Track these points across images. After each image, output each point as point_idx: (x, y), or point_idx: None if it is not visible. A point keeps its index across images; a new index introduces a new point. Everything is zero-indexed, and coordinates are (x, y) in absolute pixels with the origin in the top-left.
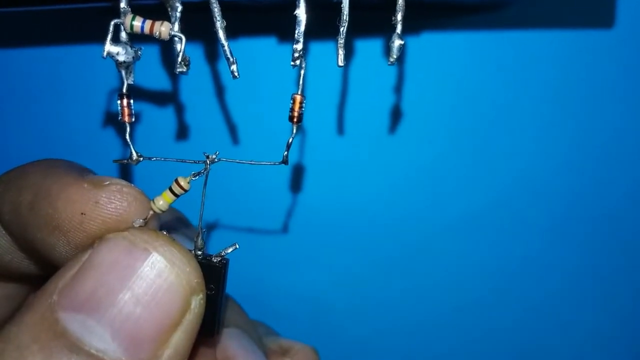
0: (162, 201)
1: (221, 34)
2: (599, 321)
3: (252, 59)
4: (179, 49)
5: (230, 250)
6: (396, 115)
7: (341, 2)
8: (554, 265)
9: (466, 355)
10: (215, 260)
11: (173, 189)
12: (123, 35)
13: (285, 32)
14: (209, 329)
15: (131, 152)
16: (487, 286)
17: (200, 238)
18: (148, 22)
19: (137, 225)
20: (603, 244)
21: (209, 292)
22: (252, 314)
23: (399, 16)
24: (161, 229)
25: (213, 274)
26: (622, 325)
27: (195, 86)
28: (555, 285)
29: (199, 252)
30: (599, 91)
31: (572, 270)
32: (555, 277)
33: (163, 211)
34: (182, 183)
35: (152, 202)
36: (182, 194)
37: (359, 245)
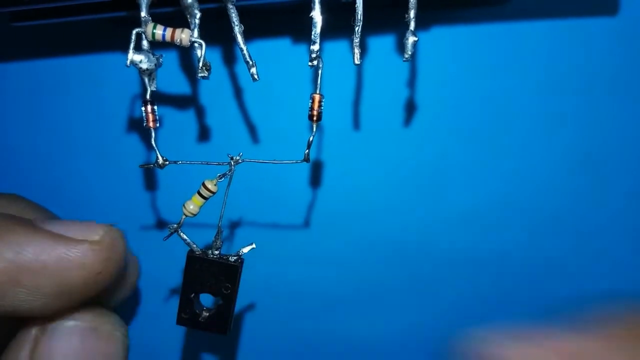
0: (193, 205)
1: (240, 38)
2: None
3: (268, 61)
4: (199, 54)
5: (247, 249)
6: (411, 109)
7: (355, 2)
8: (563, 261)
9: None
10: (231, 260)
11: (201, 192)
12: (145, 43)
13: (299, 33)
14: (222, 327)
15: (157, 157)
16: (494, 283)
17: (218, 238)
18: (169, 30)
19: (172, 230)
20: (607, 243)
21: (224, 292)
22: (265, 307)
23: (412, 13)
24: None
25: (229, 273)
26: None
27: (215, 89)
28: (561, 283)
29: (216, 252)
30: (604, 80)
31: (579, 268)
32: (563, 276)
33: (194, 214)
34: (209, 186)
35: (183, 206)
36: (210, 196)
37: (376, 241)
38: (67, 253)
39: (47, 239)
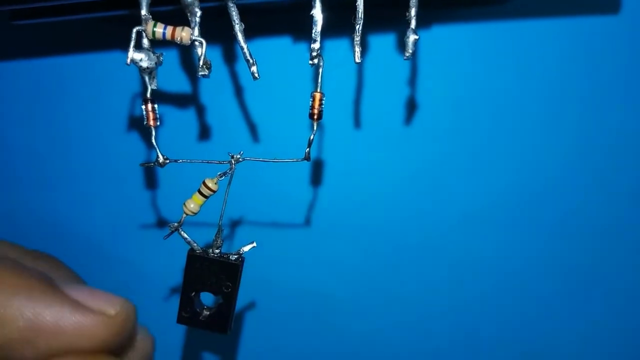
0: (193, 204)
1: (240, 37)
2: (602, 320)
3: (269, 59)
4: (200, 52)
5: (247, 248)
6: (411, 108)
7: (356, 1)
8: (564, 263)
9: (469, 352)
10: (232, 259)
11: (202, 191)
12: (145, 41)
13: (300, 32)
14: (222, 325)
15: (157, 155)
16: (496, 285)
17: (219, 237)
18: (169, 28)
19: (172, 229)
20: (608, 243)
21: (225, 290)
22: (266, 306)
23: (413, 12)
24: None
25: (230, 271)
26: (626, 325)
27: (215, 87)
28: (562, 285)
29: (217, 250)
30: (605, 78)
31: (577, 269)
32: (563, 276)
33: (195, 213)
34: (209, 185)
35: (183, 205)
36: (211, 195)
37: (375, 240)
38: (84, 323)
39: (67, 305)
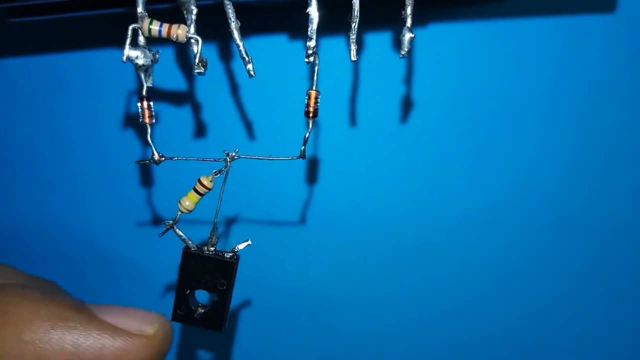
0: (188, 201)
1: (236, 35)
2: (601, 321)
3: (264, 57)
4: (195, 50)
5: (243, 246)
6: (407, 106)
7: None
8: (563, 263)
9: (468, 353)
10: (227, 256)
11: (197, 188)
12: (141, 39)
13: (296, 30)
14: (217, 323)
15: (153, 153)
16: (493, 284)
17: (214, 235)
18: (165, 26)
19: (167, 227)
20: (608, 243)
21: (220, 288)
22: (261, 304)
23: (409, 10)
24: None
25: (224, 269)
26: (625, 325)
27: (211, 85)
28: (560, 284)
29: (212, 248)
30: (601, 76)
31: (577, 269)
32: (562, 276)
33: (190, 211)
34: (205, 182)
35: (178, 202)
36: (206, 193)
37: (371, 238)
38: (124, 347)
39: (106, 332)
